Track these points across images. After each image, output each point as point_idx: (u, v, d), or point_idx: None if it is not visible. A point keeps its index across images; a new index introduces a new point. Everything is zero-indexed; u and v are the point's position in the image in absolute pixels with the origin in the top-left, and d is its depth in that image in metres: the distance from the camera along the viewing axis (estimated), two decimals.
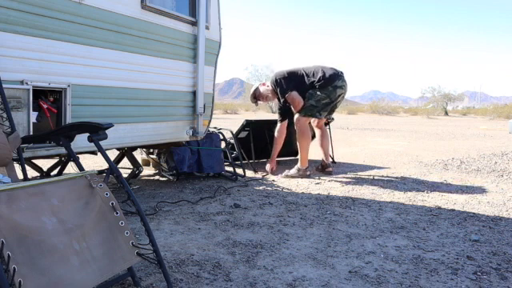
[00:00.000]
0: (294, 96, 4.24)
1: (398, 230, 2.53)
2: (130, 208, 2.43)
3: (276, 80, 4.38)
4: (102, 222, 1.50)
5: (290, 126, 5.05)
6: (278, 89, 4.35)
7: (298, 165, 4.28)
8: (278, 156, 5.34)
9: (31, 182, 1.40)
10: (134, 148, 3.95)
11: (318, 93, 4.16)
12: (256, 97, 4.65)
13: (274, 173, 4.43)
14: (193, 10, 3.45)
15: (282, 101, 4.39)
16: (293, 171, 4.27)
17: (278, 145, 4.51)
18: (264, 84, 4.61)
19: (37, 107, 2.42)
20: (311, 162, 5.23)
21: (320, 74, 4.19)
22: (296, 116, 4.29)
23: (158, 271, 1.80)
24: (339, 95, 4.24)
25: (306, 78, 4.27)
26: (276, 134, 4.50)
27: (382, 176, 4.33)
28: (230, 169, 4.18)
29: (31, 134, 2.29)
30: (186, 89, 3.51)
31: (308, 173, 4.28)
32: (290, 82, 4.30)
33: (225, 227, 2.52)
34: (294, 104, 4.27)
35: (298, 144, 4.34)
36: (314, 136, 5.21)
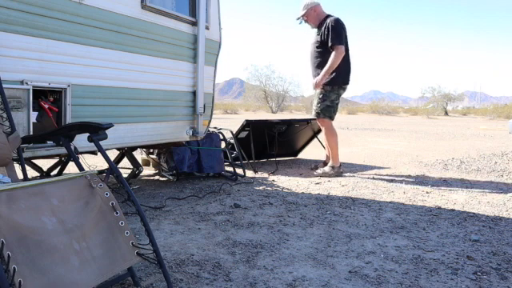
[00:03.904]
0: (342, 52, 4.15)
1: (398, 230, 2.53)
2: (130, 208, 2.43)
3: (333, 23, 4.19)
4: (102, 222, 1.50)
5: (290, 126, 5.07)
6: (332, 32, 4.16)
7: (331, 163, 4.33)
8: (278, 156, 5.36)
9: (31, 182, 1.40)
10: (134, 148, 3.95)
11: (331, 93, 4.25)
12: (309, 8, 4.35)
13: (273, 173, 4.44)
14: (193, 9, 3.45)
15: (327, 43, 4.18)
16: (327, 169, 4.33)
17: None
18: (319, 12, 4.37)
19: (37, 107, 2.42)
20: (313, 161, 5.24)
21: (344, 72, 4.22)
22: (315, 117, 4.39)
23: (158, 271, 1.80)
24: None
25: (347, 53, 4.24)
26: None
27: (382, 176, 4.33)
28: (230, 169, 4.18)
29: (31, 134, 2.29)
30: (186, 89, 3.51)
31: (342, 170, 4.35)
32: (344, 36, 4.21)
33: (225, 227, 2.52)
34: (336, 58, 4.14)
35: (327, 144, 4.41)
36: (319, 131, 5.25)
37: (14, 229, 1.20)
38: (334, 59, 4.15)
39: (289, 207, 3.02)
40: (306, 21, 4.45)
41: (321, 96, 4.28)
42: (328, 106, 4.27)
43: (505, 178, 4.33)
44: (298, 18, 4.49)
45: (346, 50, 4.27)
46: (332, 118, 4.32)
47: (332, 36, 4.17)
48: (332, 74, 4.20)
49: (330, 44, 4.18)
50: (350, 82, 4.42)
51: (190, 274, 1.82)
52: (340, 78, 4.24)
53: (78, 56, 2.56)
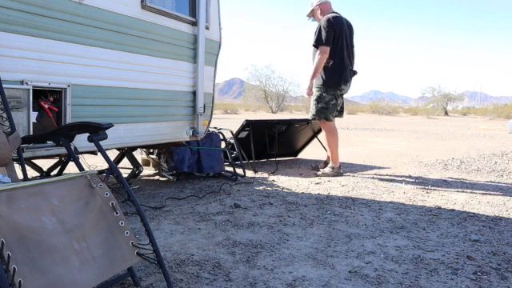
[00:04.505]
0: (324, 52, 4.10)
1: (398, 230, 2.53)
2: (130, 208, 2.42)
3: (323, 23, 4.15)
4: (102, 222, 1.50)
5: (290, 126, 5.07)
6: (318, 32, 4.16)
7: (331, 164, 4.33)
8: (278, 156, 5.36)
9: (31, 182, 1.40)
10: (134, 148, 3.95)
11: (325, 94, 4.21)
12: (314, 6, 4.39)
13: (274, 173, 4.44)
14: (193, 9, 3.45)
15: (314, 40, 4.20)
16: (327, 170, 4.33)
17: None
18: (323, 10, 4.36)
19: (37, 107, 2.42)
20: (313, 161, 5.24)
21: (337, 73, 4.18)
22: (312, 119, 4.40)
23: (158, 271, 1.80)
24: (341, 94, 4.37)
25: (338, 52, 4.16)
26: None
27: (382, 176, 4.33)
28: (230, 169, 4.18)
29: (31, 134, 2.29)
30: (186, 89, 3.51)
31: (341, 171, 4.34)
32: (334, 36, 4.13)
33: (225, 227, 2.52)
34: (319, 60, 4.11)
35: (327, 145, 4.39)
36: (319, 131, 5.25)
37: (14, 229, 1.20)
38: (316, 61, 4.13)
39: (289, 207, 3.02)
40: (315, 14, 4.44)
41: (315, 98, 4.26)
42: (323, 108, 4.22)
43: (505, 177, 4.33)
44: (308, 17, 4.51)
45: (341, 49, 4.19)
46: (328, 120, 4.25)
47: (316, 36, 4.17)
48: (325, 75, 4.17)
49: (313, 44, 4.21)
50: (351, 83, 4.39)
51: (189, 274, 1.82)
52: (333, 78, 4.18)
53: (78, 56, 2.56)
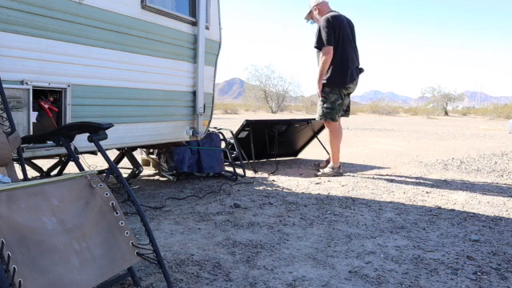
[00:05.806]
0: (328, 53, 4.08)
1: (398, 230, 2.53)
2: (130, 208, 2.42)
3: (322, 23, 4.13)
4: (102, 222, 1.50)
5: (290, 126, 5.07)
6: (318, 33, 4.16)
7: (331, 164, 4.33)
8: (278, 156, 5.37)
9: (31, 182, 1.40)
10: (134, 148, 3.95)
11: (331, 95, 4.20)
12: (312, 7, 4.38)
13: (274, 173, 4.44)
14: (193, 9, 3.45)
15: (315, 42, 4.20)
16: (327, 169, 4.33)
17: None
18: (321, 10, 4.34)
19: (37, 107, 2.42)
20: (313, 161, 5.24)
21: (340, 71, 4.14)
22: (319, 120, 4.40)
23: (158, 271, 1.80)
24: (348, 93, 4.35)
25: (339, 50, 4.12)
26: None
27: (382, 176, 4.33)
28: (230, 169, 4.18)
29: (31, 134, 2.29)
30: (186, 89, 3.51)
31: (341, 171, 4.33)
32: (334, 35, 4.11)
33: (225, 227, 2.52)
34: (323, 61, 4.09)
35: (330, 144, 4.38)
36: (319, 131, 5.25)
37: (14, 229, 1.20)
38: (321, 62, 4.13)
39: (289, 207, 3.02)
40: (314, 16, 4.42)
41: (321, 98, 4.25)
42: (328, 109, 4.20)
43: (505, 177, 4.33)
44: (306, 19, 4.50)
45: (343, 47, 4.15)
46: (334, 120, 4.24)
47: (317, 38, 4.17)
48: (328, 74, 4.15)
49: (315, 45, 4.20)
50: (358, 81, 4.35)
51: (189, 274, 1.82)
52: (336, 77, 4.15)
53: (78, 56, 2.56)
